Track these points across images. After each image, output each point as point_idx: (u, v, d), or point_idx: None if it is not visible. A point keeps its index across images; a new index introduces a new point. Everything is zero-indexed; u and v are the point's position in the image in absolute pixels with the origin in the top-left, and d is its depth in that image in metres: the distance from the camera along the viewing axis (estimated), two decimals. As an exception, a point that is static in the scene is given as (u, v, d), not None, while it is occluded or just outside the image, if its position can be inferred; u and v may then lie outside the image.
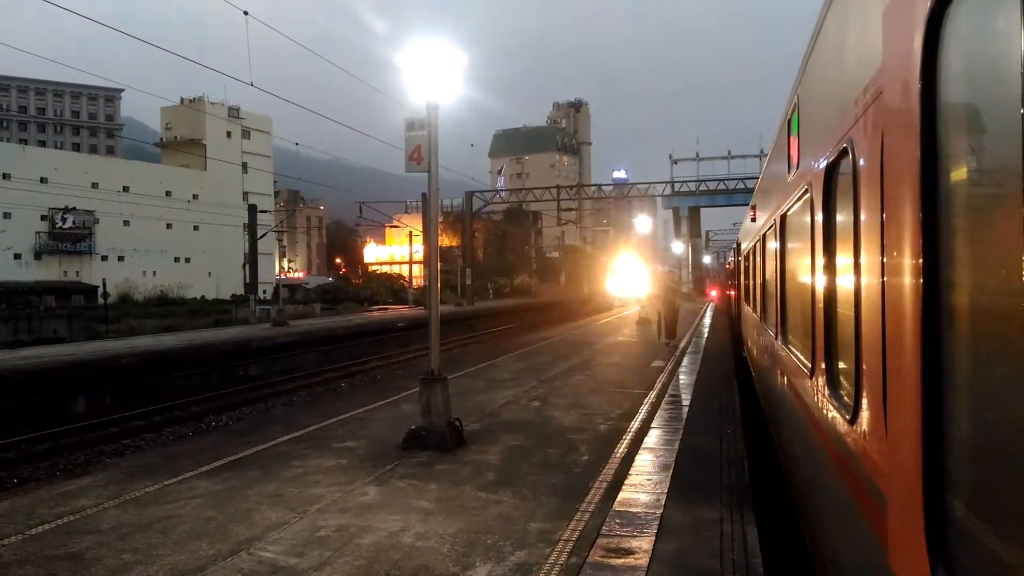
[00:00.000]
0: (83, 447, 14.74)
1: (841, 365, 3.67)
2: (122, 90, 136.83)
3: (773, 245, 8.03)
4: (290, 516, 6.38)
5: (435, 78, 9.09)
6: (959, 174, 1.91)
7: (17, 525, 6.22)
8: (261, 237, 42.33)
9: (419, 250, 58.72)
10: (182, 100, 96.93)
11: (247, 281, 45.62)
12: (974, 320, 1.84)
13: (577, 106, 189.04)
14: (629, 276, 51.21)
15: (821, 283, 4.05)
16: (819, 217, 4.12)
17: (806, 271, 4.72)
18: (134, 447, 14.50)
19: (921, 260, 1.99)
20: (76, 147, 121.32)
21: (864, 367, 2.86)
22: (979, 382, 1.82)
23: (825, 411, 3.87)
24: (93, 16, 16.22)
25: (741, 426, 10.10)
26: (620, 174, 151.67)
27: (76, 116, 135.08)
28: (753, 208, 13.34)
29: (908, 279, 2.14)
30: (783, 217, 6.75)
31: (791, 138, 5.97)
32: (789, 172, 6.13)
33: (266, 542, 5.76)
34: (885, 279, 2.45)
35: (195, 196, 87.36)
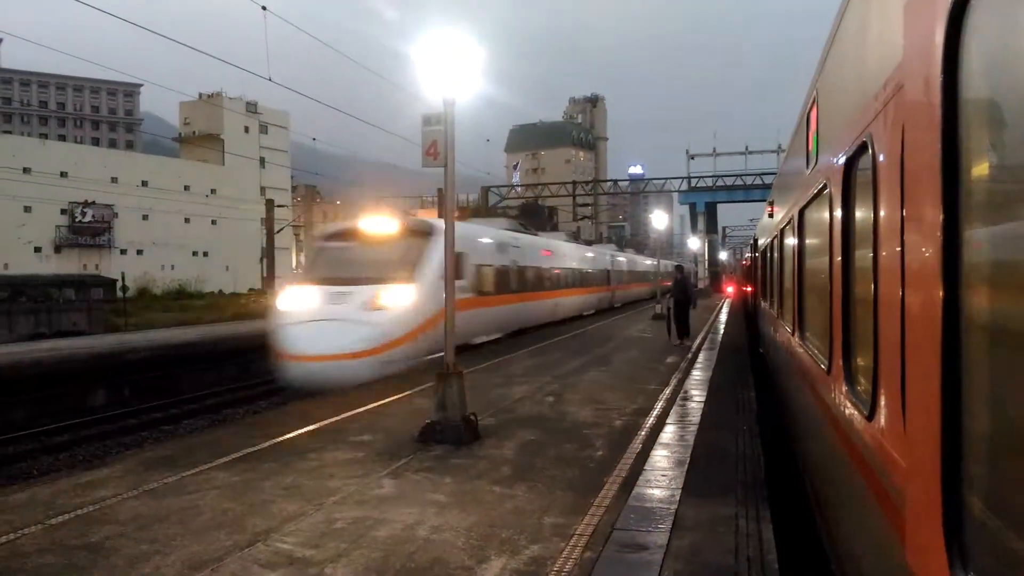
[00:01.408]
0: (102, 438, 14.95)
1: (859, 361, 3.65)
2: (141, 85, 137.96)
3: (791, 241, 7.99)
4: (306, 508, 6.43)
5: (452, 73, 9.08)
6: (980, 169, 1.89)
7: (38, 515, 6.30)
8: (278, 232, 42.56)
9: (434, 245, 58.37)
10: (200, 95, 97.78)
11: (264, 275, 45.87)
12: (994, 317, 1.82)
13: (593, 101, 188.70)
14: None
15: (839, 279, 4.03)
16: (837, 213, 4.10)
17: (824, 267, 4.69)
18: (152, 439, 14.67)
19: (941, 256, 1.98)
20: (95, 142, 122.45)
21: (882, 363, 2.84)
22: (999, 379, 1.81)
23: (842, 407, 3.86)
24: (113, 11, 16.33)
25: (757, 422, 10.06)
26: (636, 169, 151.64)
27: (96, 111, 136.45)
28: (771, 204, 13.28)
29: (928, 275, 2.12)
30: (801, 213, 6.72)
31: (809, 133, 5.93)
32: (807, 167, 6.10)
33: (283, 533, 5.81)
34: (904, 275, 2.43)
35: (213, 191, 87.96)
